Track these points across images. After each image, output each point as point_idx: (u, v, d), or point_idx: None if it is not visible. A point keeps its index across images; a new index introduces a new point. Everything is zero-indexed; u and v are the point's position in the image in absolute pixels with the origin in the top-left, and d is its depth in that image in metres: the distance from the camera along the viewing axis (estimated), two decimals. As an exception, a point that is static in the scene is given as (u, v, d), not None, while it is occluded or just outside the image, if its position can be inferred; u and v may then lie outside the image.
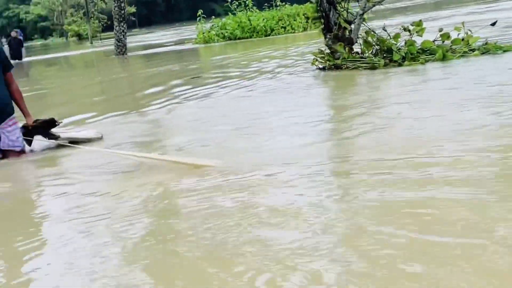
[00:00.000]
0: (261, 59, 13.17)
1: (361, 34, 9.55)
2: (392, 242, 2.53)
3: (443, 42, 8.97)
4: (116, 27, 22.17)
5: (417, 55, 8.73)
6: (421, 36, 9.08)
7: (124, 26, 22.21)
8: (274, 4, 25.20)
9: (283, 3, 24.93)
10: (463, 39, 8.92)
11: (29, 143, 5.66)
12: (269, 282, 2.31)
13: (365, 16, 9.67)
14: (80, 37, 61.36)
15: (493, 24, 9.81)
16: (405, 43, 8.97)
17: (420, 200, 3.01)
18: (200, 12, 24.18)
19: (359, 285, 2.19)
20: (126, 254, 2.81)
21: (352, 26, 9.55)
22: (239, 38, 22.87)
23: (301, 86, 8.18)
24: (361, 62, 8.99)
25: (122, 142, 5.72)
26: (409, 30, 9.18)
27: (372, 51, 9.23)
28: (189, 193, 3.69)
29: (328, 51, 9.61)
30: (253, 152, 4.72)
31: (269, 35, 22.63)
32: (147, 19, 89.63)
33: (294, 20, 23.04)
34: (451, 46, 8.88)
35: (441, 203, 2.92)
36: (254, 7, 24.77)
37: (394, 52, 8.84)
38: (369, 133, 4.73)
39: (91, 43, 43.14)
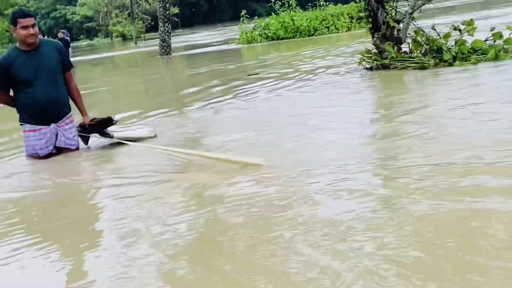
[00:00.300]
0: (306, 59, 13.08)
1: (409, 34, 9.37)
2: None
3: (494, 41, 8.74)
4: (160, 27, 22.36)
5: (468, 55, 8.53)
6: (472, 35, 8.86)
7: (169, 26, 22.39)
8: (317, 4, 25.04)
9: (327, 3, 24.76)
10: (515, 39, 8.67)
11: (86, 141, 5.74)
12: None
13: (413, 15, 9.48)
14: (124, 37, 62.25)
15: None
16: (455, 42, 8.77)
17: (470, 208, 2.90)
18: (243, 12, 24.22)
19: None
20: (178, 250, 2.83)
21: (401, 25, 9.40)
22: (282, 38, 22.80)
23: (349, 86, 8.08)
24: (410, 62, 8.83)
25: (172, 140, 5.76)
26: (459, 29, 8.96)
27: (421, 51, 9.05)
28: (236, 191, 3.70)
29: (375, 50, 9.47)
30: (300, 151, 4.67)
31: (312, 35, 22.50)
32: (190, 19, 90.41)
33: (338, 20, 22.85)
34: (503, 45, 8.63)
35: (490, 214, 2.80)
36: (298, 7, 24.67)
37: (444, 51, 8.66)
38: (420, 135, 4.62)
39: (135, 43, 43.66)
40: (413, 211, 2.93)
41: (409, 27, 9.45)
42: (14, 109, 5.54)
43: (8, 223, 3.69)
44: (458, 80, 7.29)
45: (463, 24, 9.02)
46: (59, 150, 5.52)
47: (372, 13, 9.58)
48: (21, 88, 5.32)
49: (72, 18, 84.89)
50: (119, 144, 5.60)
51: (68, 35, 28.70)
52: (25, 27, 5.17)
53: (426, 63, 8.56)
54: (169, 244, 2.93)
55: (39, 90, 5.29)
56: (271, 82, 9.69)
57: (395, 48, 9.13)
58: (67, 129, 5.49)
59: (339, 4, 24.97)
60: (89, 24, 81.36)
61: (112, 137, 5.64)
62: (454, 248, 2.43)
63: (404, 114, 5.59)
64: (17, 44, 5.37)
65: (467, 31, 8.89)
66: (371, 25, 9.66)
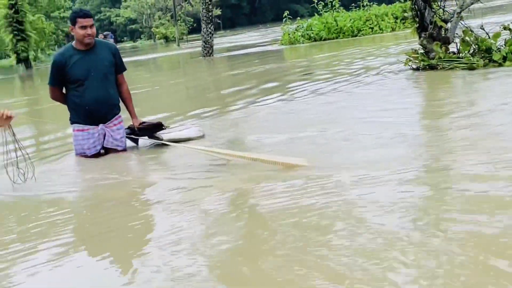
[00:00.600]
0: (350, 60, 12.96)
1: (457, 33, 9.18)
2: None
3: (546, 41, 8.47)
4: (203, 29, 22.47)
5: (519, 55, 8.29)
6: (523, 35, 8.62)
7: (211, 28, 22.48)
8: (361, 4, 24.80)
9: (371, 3, 24.50)
10: None
11: (135, 142, 5.80)
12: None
13: (461, 14, 9.27)
14: (167, 39, 62.76)
15: None
16: (505, 42, 8.54)
17: None
18: (286, 13, 24.15)
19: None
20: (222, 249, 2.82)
21: (449, 24, 9.21)
22: (324, 39, 22.64)
23: (395, 86, 7.96)
24: (458, 62, 8.64)
25: (216, 140, 5.76)
26: (509, 29, 8.73)
27: (469, 51, 8.84)
28: (278, 193, 3.67)
29: (422, 50, 9.31)
30: (345, 152, 4.62)
31: (356, 35, 22.29)
32: (231, 21, 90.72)
33: (382, 20, 22.59)
34: (555, 45, 8.37)
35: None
36: (341, 8, 24.47)
37: (493, 52, 8.44)
38: (469, 137, 4.50)
39: (178, 45, 43.97)
40: (467, 220, 2.84)
41: (457, 26, 9.25)
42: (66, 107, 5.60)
43: (57, 220, 3.74)
44: (509, 81, 7.09)
45: (514, 24, 8.79)
46: (107, 151, 5.57)
47: (418, 12, 9.41)
48: (73, 86, 5.38)
49: (116, 20, 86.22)
50: (163, 144, 5.62)
51: (113, 36, 29.21)
52: (84, 27, 5.24)
53: (475, 63, 8.36)
54: (215, 245, 2.91)
55: (89, 90, 5.34)
56: (314, 82, 9.64)
57: (443, 48, 8.95)
58: (114, 130, 5.52)
59: (383, 4, 24.69)
60: (133, 26, 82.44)
61: (161, 139, 5.65)
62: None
63: (452, 115, 5.47)
64: (73, 43, 5.44)
65: (517, 31, 8.66)
66: (417, 25, 9.50)
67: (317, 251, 2.63)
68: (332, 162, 4.29)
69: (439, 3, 9.45)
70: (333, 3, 24.24)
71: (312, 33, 23.18)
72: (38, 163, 5.72)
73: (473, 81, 7.61)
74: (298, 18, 27.03)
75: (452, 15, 9.27)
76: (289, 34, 23.79)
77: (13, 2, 35.56)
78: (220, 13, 72.07)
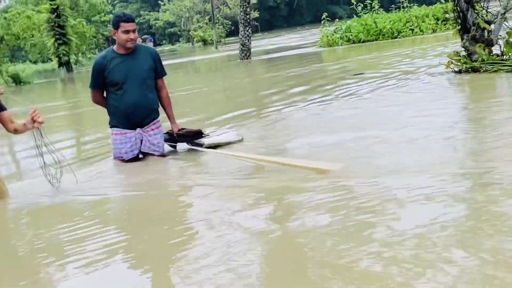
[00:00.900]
0: (390, 63, 12.76)
1: (501, 35, 8.93)
2: None
3: None
4: (241, 31, 22.49)
5: None
6: None
7: (249, 31, 22.48)
8: (401, 5, 24.47)
9: (411, 4, 24.15)
10: None
11: (174, 147, 5.80)
12: None
13: (506, 15, 9.02)
14: (205, 42, 63.17)
15: None
16: (552, 44, 8.28)
17: None
18: (324, 15, 24.00)
19: None
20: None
21: (492, 26, 8.96)
22: (363, 41, 22.40)
23: (436, 90, 7.77)
24: (502, 64, 8.40)
25: (253, 144, 5.73)
26: (556, 30, 8.46)
27: (514, 53, 8.60)
28: (310, 198, 3.61)
29: (464, 53, 9.08)
30: (381, 156, 4.51)
31: (396, 37, 21.98)
32: (269, 23, 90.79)
33: (423, 22, 22.21)
34: None
35: None
36: (380, 9, 24.19)
37: (539, 54, 8.18)
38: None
39: (216, 48, 44.19)
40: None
41: (501, 28, 9.00)
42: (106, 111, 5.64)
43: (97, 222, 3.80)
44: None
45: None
46: (145, 155, 5.57)
47: (461, 14, 9.19)
48: (112, 90, 5.41)
49: (155, 24, 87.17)
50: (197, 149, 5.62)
51: (152, 40, 29.47)
52: (126, 32, 5.26)
53: (520, 66, 8.13)
54: (249, 249, 2.87)
55: (128, 94, 5.35)
56: (352, 85, 9.50)
57: (486, 50, 8.71)
58: (152, 135, 5.51)
59: (424, 5, 24.30)
60: (171, 30, 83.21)
61: (201, 145, 5.62)
62: None
63: (496, 119, 5.30)
64: (114, 47, 5.47)
65: None
66: (459, 26, 9.28)
67: (357, 261, 2.56)
68: (367, 166, 4.20)
69: (482, 4, 9.20)
70: (373, 4, 23.98)
71: (351, 35, 22.97)
72: (78, 166, 5.81)
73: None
74: (337, 20, 26.85)
75: (495, 16, 9.02)
76: (327, 36, 23.62)
77: (55, 6, 36.26)
78: (258, 15, 72.16)
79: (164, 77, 5.72)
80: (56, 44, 37.10)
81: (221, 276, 2.62)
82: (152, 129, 5.52)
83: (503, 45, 8.74)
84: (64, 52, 37.18)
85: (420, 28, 22.08)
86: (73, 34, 38.67)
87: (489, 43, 8.87)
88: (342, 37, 23.19)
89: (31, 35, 34.43)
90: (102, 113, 5.87)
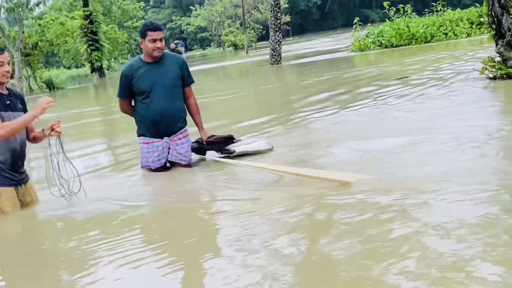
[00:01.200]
0: (422, 68, 12.56)
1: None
2: None
3: None
4: (271, 36, 22.44)
5: None
6: None
7: (280, 35, 22.41)
8: (435, 9, 24.12)
9: (445, 8, 23.77)
10: None
11: (202, 155, 5.71)
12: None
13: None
14: (236, 47, 63.37)
15: None
16: None
17: None
18: (356, 19, 23.79)
19: None
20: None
21: (529, 31, 8.71)
22: (396, 46, 22.12)
23: (469, 97, 7.60)
24: (539, 71, 8.15)
25: (286, 153, 5.65)
26: None
27: (551, 59, 8.34)
28: (336, 210, 3.58)
29: (499, 59, 8.84)
30: (412, 166, 4.41)
31: (429, 41, 21.65)
32: (301, 27, 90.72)
33: (457, 26, 21.85)
34: None
35: None
36: (413, 13, 23.88)
37: None
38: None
39: (247, 52, 44.28)
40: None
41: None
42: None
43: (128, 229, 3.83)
44: None
45: None
46: (173, 164, 5.51)
47: (495, 19, 8.96)
48: (139, 98, 5.38)
49: (186, 29, 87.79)
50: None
51: (183, 45, 29.63)
52: (153, 41, 5.23)
53: (558, 72, 7.88)
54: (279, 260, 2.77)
55: (155, 102, 5.31)
56: (382, 92, 9.36)
57: (522, 56, 8.48)
58: (179, 144, 5.44)
59: (458, 9, 23.91)
60: (203, 34, 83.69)
61: (231, 152, 5.56)
62: None
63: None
64: (142, 56, 5.45)
65: None
66: (494, 31, 9.04)
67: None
68: (394, 177, 4.12)
69: (518, 8, 8.96)
70: (405, 8, 23.68)
71: (383, 39, 22.71)
72: (106, 174, 5.80)
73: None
74: (369, 24, 26.59)
75: (532, 21, 8.77)
76: (359, 41, 23.41)
77: (88, 13, 36.74)
78: (289, 19, 72.13)
79: (192, 85, 5.66)
80: (89, 50, 37.55)
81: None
82: (180, 138, 5.45)
83: (541, 50, 8.49)
84: (96, 57, 37.61)
85: (454, 32, 21.72)
86: (106, 40, 39.13)
87: (526, 49, 8.63)
88: (374, 41, 22.95)
89: (64, 41, 34.89)
90: (133, 120, 5.85)
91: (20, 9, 27.84)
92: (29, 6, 28.58)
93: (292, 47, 41.23)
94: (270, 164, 4.99)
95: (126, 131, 8.30)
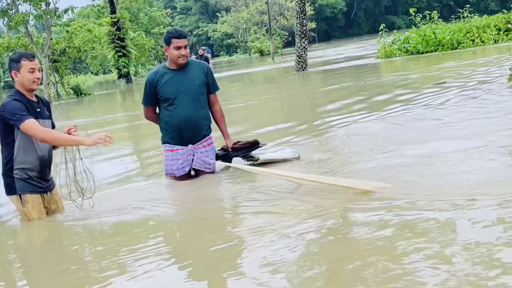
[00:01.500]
0: (449, 75, 12.40)
1: None
2: None
3: None
4: (297, 43, 22.43)
5: None
6: None
7: (305, 42, 22.38)
8: (461, 15, 23.88)
9: (472, 15, 23.51)
10: None
11: (228, 162, 5.70)
12: None
13: None
14: (262, 53, 63.42)
15: None
16: None
17: None
18: (382, 26, 23.66)
19: None
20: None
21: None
22: (422, 52, 21.92)
23: (497, 105, 7.47)
24: None
25: (312, 162, 5.63)
26: None
27: None
28: (362, 219, 3.55)
29: (528, 65, 8.74)
30: (435, 176, 4.35)
31: (455, 48, 21.41)
32: (326, 34, 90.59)
33: (484, 32, 21.58)
34: None
35: None
36: (440, 20, 23.66)
37: None
38: None
39: (272, 59, 44.29)
40: None
41: None
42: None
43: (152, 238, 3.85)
44: None
45: None
46: (197, 172, 5.54)
47: (524, 25, 8.85)
48: (164, 106, 5.41)
49: (213, 35, 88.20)
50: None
51: (210, 51, 29.76)
52: (178, 48, 5.26)
53: None
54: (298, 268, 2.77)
55: (179, 109, 5.33)
56: (408, 99, 9.27)
57: (552, 63, 8.36)
58: (203, 152, 5.46)
59: (485, 15, 23.63)
60: (229, 41, 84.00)
61: (256, 160, 5.55)
62: None
63: None
64: (167, 63, 5.48)
65: None
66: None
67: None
68: (417, 187, 4.07)
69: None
70: (432, 15, 23.48)
71: (409, 46, 22.53)
72: (129, 181, 5.85)
73: None
74: (395, 30, 26.41)
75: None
76: (385, 48, 23.26)
77: (115, 20, 37.12)
78: (315, 26, 72.05)
79: (217, 92, 5.68)
80: (116, 56, 37.90)
81: None
82: (204, 146, 5.47)
83: None
84: (123, 64, 37.95)
85: (481, 38, 21.46)
86: (133, 46, 39.48)
87: (555, 56, 8.52)
88: (400, 48, 22.79)
89: (92, 48, 35.29)
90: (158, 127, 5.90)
91: (48, 16, 28.29)
92: (57, 13, 29.01)
93: (318, 53, 41.11)
94: (293, 172, 4.98)
95: (151, 138, 8.37)
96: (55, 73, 31.00)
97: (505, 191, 3.61)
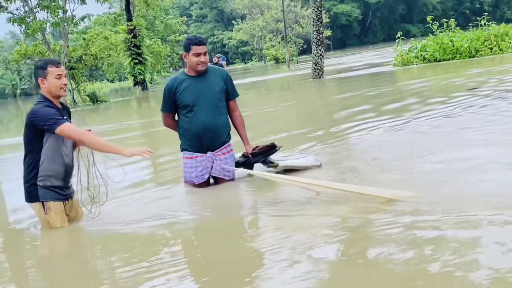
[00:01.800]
0: (467, 84, 12.26)
1: None
2: None
3: None
4: (313, 50, 22.41)
5: None
6: None
7: (322, 49, 22.35)
8: (479, 24, 23.72)
9: (490, 23, 23.35)
10: None
11: (250, 169, 5.64)
12: None
13: None
14: (277, 60, 63.54)
15: None
16: None
17: None
18: (399, 34, 23.56)
19: None
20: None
21: None
22: (439, 60, 21.79)
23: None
24: None
25: (332, 168, 5.60)
26: None
27: None
28: (383, 228, 3.52)
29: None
30: (460, 185, 4.27)
31: (473, 56, 21.27)
32: (342, 42, 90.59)
33: (502, 40, 21.41)
34: None
35: None
36: (457, 28, 23.52)
37: None
38: None
39: (288, 66, 44.31)
40: None
41: None
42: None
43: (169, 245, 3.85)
44: None
45: None
46: (216, 179, 5.49)
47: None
48: (183, 112, 5.36)
49: (228, 43, 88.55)
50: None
51: (225, 59, 29.78)
52: (197, 55, 5.23)
53: None
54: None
55: (198, 116, 5.28)
56: (426, 107, 9.18)
57: None
58: (222, 159, 5.40)
59: (503, 24, 23.45)
60: (244, 48, 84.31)
61: (276, 166, 5.49)
62: None
63: None
64: (186, 70, 5.45)
65: None
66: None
67: None
68: (441, 196, 4.00)
69: None
70: (449, 23, 23.35)
71: (426, 54, 22.42)
72: (150, 189, 5.83)
73: None
74: (411, 38, 26.29)
75: None
76: (402, 55, 23.16)
77: (131, 27, 37.36)
78: (330, 34, 72.04)
79: (236, 98, 5.63)
80: (132, 64, 38.13)
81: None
82: (223, 153, 5.41)
83: None
84: (139, 71, 38.15)
85: (499, 47, 21.29)
86: (149, 54, 39.71)
87: None
88: (417, 56, 22.68)
89: (108, 55, 35.50)
90: (176, 134, 5.87)
91: (65, 24, 28.53)
92: (74, 20, 29.25)
93: (334, 61, 41.06)
94: (314, 179, 4.91)
95: (168, 144, 8.35)
96: (71, 80, 31.21)
97: None
